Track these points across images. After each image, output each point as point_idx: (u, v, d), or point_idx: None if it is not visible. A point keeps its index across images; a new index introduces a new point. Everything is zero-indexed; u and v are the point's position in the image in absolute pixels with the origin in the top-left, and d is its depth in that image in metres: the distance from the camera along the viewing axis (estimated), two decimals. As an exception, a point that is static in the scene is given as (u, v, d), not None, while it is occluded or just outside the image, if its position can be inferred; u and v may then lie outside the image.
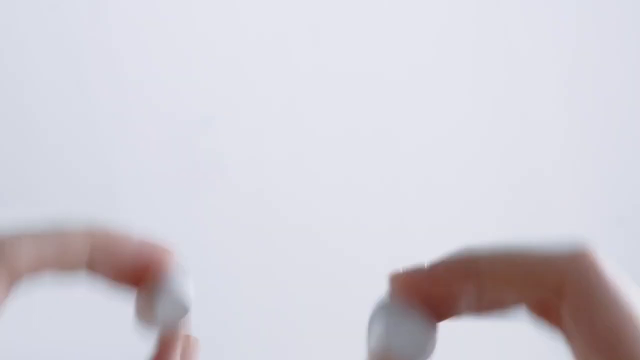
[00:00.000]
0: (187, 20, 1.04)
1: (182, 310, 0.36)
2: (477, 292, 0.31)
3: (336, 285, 1.07)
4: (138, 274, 0.34)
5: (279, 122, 1.04)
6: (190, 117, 1.02)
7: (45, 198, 0.99)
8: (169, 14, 1.03)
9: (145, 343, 0.39)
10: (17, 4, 1.01)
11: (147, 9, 1.02)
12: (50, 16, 1.01)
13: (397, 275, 0.32)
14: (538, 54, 1.07)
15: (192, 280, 0.37)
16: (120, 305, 0.40)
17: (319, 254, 1.06)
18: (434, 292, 0.32)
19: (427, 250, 1.05)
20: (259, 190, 1.04)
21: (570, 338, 0.29)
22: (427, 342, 0.33)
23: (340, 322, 1.07)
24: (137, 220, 1.02)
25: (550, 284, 0.29)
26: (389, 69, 1.06)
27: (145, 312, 0.35)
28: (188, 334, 0.37)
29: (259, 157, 1.04)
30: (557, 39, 1.07)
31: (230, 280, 1.06)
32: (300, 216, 1.05)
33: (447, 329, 0.33)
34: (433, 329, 0.33)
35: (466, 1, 1.06)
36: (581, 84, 1.07)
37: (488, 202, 1.07)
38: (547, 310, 0.31)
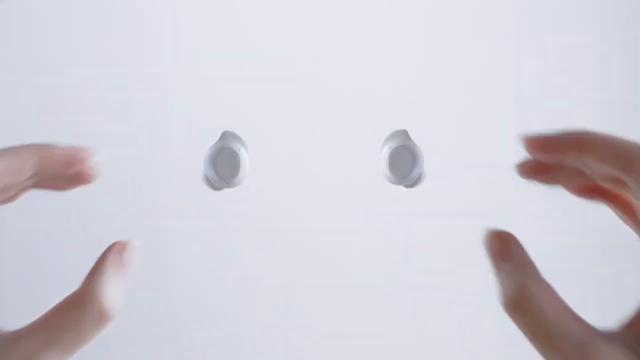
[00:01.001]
0: (205, 42, 1.06)
1: None
2: (579, 162, 0.41)
3: (339, 281, 1.08)
4: (69, 165, 0.46)
5: (283, 129, 1.06)
6: (206, 126, 1.04)
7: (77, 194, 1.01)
8: (190, 37, 1.05)
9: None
10: (64, 30, 1.04)
11: (170, 32, 1.05)
12: (93, 42, 1.04)
13: (526, 136, 0.43)
14: (509, 65, 1.08)
15: None
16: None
17: (322, 251, 1.08)
18: (550, 152, 0.42)
19: (428, 245, 1.08)
20: (266, 192, 1.06)
21: (635, 203, 0.39)
22: None
23: (343, 316, 1.09)
24: (157, 216, 1.05)
25: (633, 163, 0.38)
26: (385, 76, 1.07)
27: None
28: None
29: (266, 162, 1.06)
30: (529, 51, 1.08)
31: (240, 275, 1.07)
32: (305, 216, 1.07)
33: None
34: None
35: (458, 12, 1.07)
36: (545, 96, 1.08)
37: (478, 201, 1.08)
38: (627, 209, 0.44)
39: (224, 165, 0.47)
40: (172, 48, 1.06)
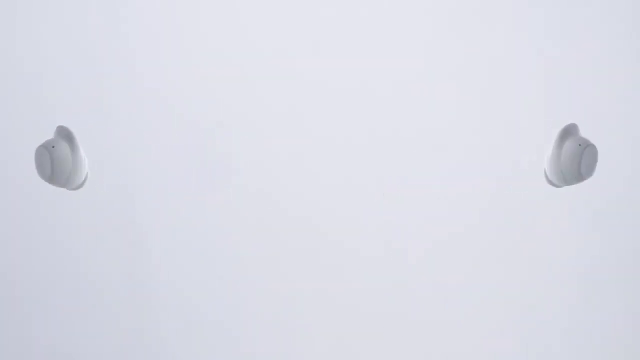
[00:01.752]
0: (202, 40, 1.06)
1: None
2: None
3: (335, 274, 1.09)
4: None
5: (282, 129, 1.06)
6: (204, 124, 1.05)
7: (68, 196, 1.01)
8: (186, 34, 1.05)
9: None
10: (51, 28, 1.04)
11: (167, 29, 1.05)
12: (77, 34, 1.04)
13: None
14: (518, 62, 1.08)
15: None
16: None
17: (319, 245, 1.08)
18: None
19: (420, 238, 1.08)
20: (264, 189, 1.06)
21: None
22: None
23: (339, 308, 1.09)
24: (154, 216, 1.05)
25: None
26: (381, 80, 1.07)
27: None
28: None
29: (265, 160, 1.06)
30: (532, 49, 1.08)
31: (239, 270, 1.08)
32: (302, 212, 1.07)
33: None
34: None
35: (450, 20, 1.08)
36: (557, 92, 1.08)
37: (473, 201, 1.08)
38: None
39: (42, 165, 0.42)
40: (171, 47, 1.06)
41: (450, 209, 1.09)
